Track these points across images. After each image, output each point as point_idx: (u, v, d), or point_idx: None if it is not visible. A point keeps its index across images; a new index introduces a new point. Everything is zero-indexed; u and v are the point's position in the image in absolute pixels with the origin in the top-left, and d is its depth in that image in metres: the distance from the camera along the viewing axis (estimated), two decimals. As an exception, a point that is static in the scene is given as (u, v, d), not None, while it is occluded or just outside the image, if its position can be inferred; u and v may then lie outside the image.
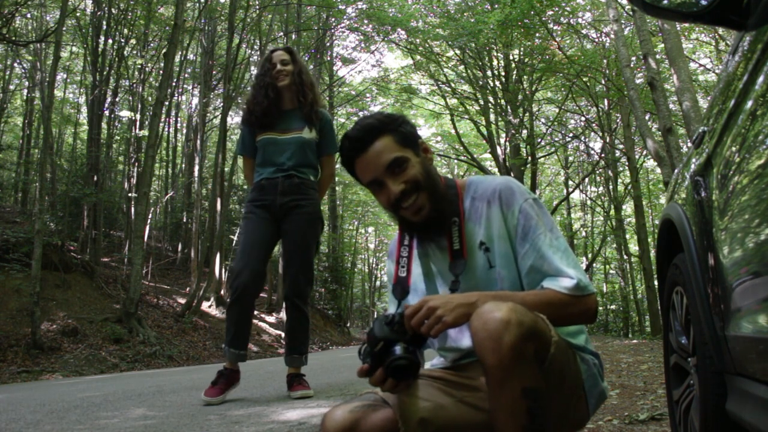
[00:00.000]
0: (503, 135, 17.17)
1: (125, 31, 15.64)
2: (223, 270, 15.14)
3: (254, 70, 15.01)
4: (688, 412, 1.52)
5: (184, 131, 21.90)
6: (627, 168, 16.28)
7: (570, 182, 21.56)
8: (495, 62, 17.21)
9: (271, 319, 15.70)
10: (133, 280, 9.92)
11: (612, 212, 17.46)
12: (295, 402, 2.88)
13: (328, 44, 20.38)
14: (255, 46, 17.16)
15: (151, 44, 17.67)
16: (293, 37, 17.70)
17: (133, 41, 16.71)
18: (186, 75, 19.48)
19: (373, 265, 34.21)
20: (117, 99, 16.76)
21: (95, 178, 14.22)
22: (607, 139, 16.51)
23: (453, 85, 17.96)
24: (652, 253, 12.94)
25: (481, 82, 17.07)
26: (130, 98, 17.69)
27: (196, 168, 17.20)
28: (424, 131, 22.07)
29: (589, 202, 22.30)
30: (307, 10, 18.65)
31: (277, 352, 12.54)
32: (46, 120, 10.40)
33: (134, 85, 17.23)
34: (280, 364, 4.68)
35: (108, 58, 15.13)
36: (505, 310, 1.04)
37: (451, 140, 19.98)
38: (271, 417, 2.50)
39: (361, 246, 33.07)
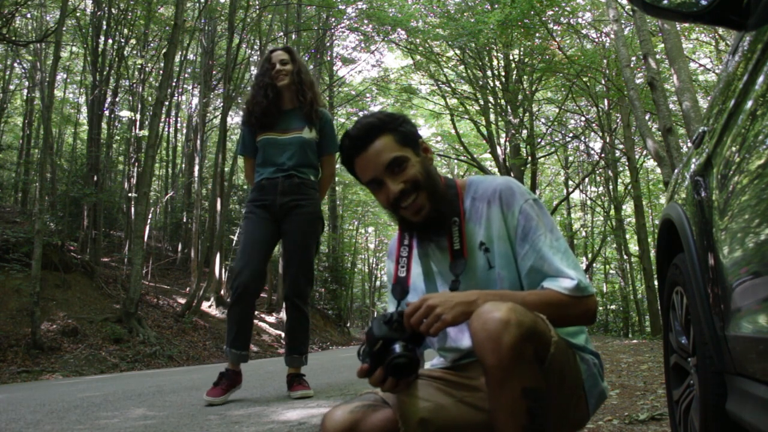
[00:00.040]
0: (503, 135, 17.18)
1: (125, 31, 15.65)
2: (223, 270, 15.14)
3: (254, 70, 15.00)
4: (688, 412, 1.52)
5: (184, 131, 21.91)
6: (627, 168, 16.28)
7: (570, 182, 21.56)
8: (495, 62, 17.21)
9: (271, 319, 15.71)
10: (133, 280, 9.92)
11: (612, 212, 17.46)
12: (295, 402, 2.88)
13: (328, 44, 20.38)
14: (255, 46, 17.16)
15: (151, 44, 17.67)
16: (293, 37, 17.70)
17: (133, 41, 16.72)
18: (186, 75, 19.48)
19: (373, 265, 34.21)
20: (117, 99, 16.76)
21: (95, 178, 14.22)
22: (607, 139, 16.51)
23: (453, 85, 17.96)
24: (652, 253, 12.94)
25: (481, 82, 17.07)
26: (130, 98, 17.69)
27: (196, 168, 17.20)
28: (424, 131, 22.07)
29: (589, 202, 22.31)
30: (307, 10, 18.65)
31: (277, 352, 12.54)
32: (46, 120, 10.40)
33: (134, 85, 17.23)
34: (280, 364, 4.69)
35: (108, 58, 15.13)
36: (505, 310, 1.04)
37: (451, 140, 19.98)
38: (271, 417, 2.50)
39: (361, 246, 33.07)
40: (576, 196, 22.76)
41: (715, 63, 15.15)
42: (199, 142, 16.95)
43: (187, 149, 20.37)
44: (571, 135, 18.87)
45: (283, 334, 10.40)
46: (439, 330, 1.14)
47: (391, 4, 16.53)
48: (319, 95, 3.29)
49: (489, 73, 17.31)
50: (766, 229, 0.91)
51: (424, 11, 16.29)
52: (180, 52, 16.77)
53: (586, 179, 19.93)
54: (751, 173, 1.00)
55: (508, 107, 16.71)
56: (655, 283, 10.43)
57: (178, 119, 22.02)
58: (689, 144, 2.53)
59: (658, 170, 10.47)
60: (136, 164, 16.01)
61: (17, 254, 9.87)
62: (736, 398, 1.10)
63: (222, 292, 14.67)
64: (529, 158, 16.91)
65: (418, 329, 1.16)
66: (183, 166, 21.18)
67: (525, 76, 16.97)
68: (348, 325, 23.33)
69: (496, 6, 13.20)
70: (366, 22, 17.35)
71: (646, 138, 8.02)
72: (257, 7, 15.77)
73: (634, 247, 18.38)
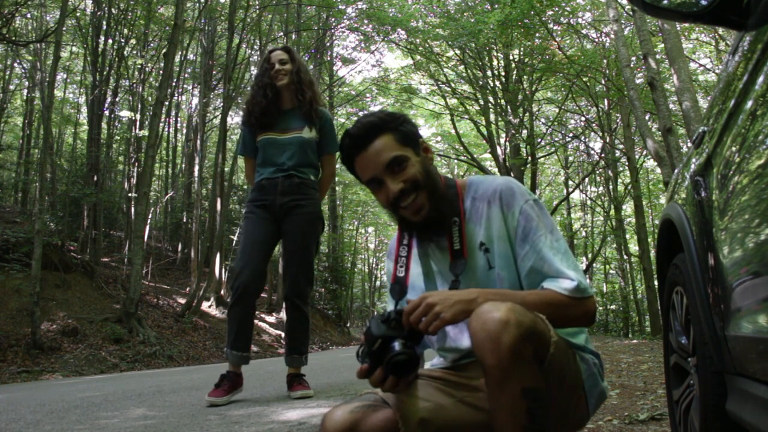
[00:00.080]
0: (503, 135, 17.18)
1: (125, 31, 15.65)
2: (223, 270, 15.14)
3: (254, 70, 15.00)
4: (688, 412, 1.52)
5: (184, 131, 21.91)
6: (627, 168, 16.28)
7: (570, 182, 21.56)
8: (495, 62, 17.21)
9: (271, 319, 15.71)
10: (133, 280, 9.92)
11: (612, 212, 17.46)
12: (295, 402, 2.88)
13: (328, 44, 20.39)
14: (255, 46, 17.17)
15: (151, 44, 17.68)
16: (293, 37, 17.71)
17: (133, 41, 16.72)
18: (186, 75, 19.48)
19: (373, 265, 34.21)
20: (117, 99, 16.77)
21: (95, 178, 14.22)
22: (607, 139, 16.51)
23: (453, 85, 17.96)
24: (652, 253, 12.94)
25: (481, 82, 17.07)
26: (130, 98, 17.69)
27: (196, 168, 17.20)
28: (424, 131, 22.07)
29: (589, 202, 22.31)
30: (307, 10, 18.65)
31: (277, 352, 12.55)
32: (46, 120, 10.40)
33: (134, 85, 17.23)
34: (280, 364, 4.69)
35: (108, 58, 15.14)
36: (504, 310, 1.04)
37: (451, 140, 19.98)
38: (271, 417, 2.49)
39: (361, 246, 33.07)
40: (576, 196, 22.78)
41: (715, 63, 15.15)
42: (199, 142, 16.95)
43: (187, 149, 20.37)
44: (571, 135, 18.87)
45: (283, 334, 10.40)
46: (438, 328, 1.14)
47: (391, 4, 16.54)
48: (318, 94, 3.28)
49: (489, 73, 17.31)
50: (766, 229, 0.91)
51: (424, 11, 16.30)
52: (180, 52, 16.77)
53: (586, 179, 19.94)
54: (751, 173, 1.00)
55: (508, 107, 16.71)
56: (655, 283, 10.44)
57: (178, 119, 22.03)
58: (689, 144, 2.53)
59: (658, 170, 10.47)
60: (136, 164, 16.01)
61: (17, 254, 9.87)
62: (736, 398, 1.10)
63: (222, 292, 14.68)
64: (529, 158, 16.91)
65: (417, 327, 1.16)
66: (183, 166, 21.18)
67: (525, 76, 16.97)
68: (348, 325, 23.34)
69: (496, 6, 13.20)
70: (366, 22, 17.36)
71: (646, 138, 8.02)
72: (257, 7, 15.77)
73: (634, 247, 18.39)
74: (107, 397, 3.47)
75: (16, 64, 17.59)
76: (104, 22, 14.81)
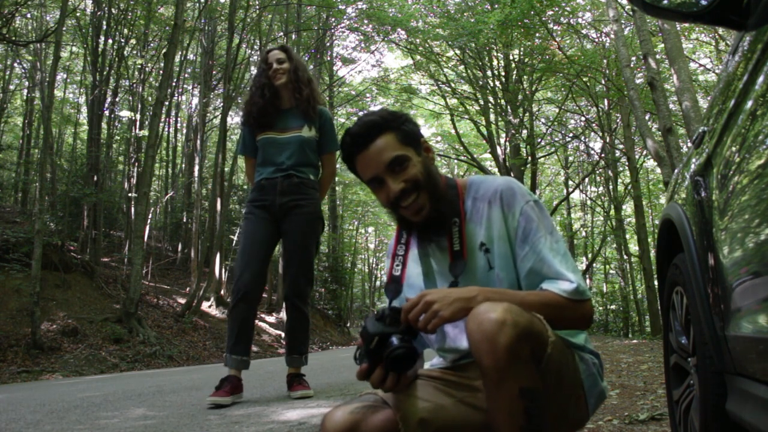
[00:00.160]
0: (503, 135, 17.18)
1: (125, 31, 15.65)
2: (223, 270, 15.14)
3: (254, 70, 15.00)
4: (688, 412, 1.52)
5: (184, 131, 21.91)
6: (627, 168, 16.28)
7: (570, 182, 21.57)
8: (495, 62, 17.21)
9: (271, 319, 15.71)
10: (133, 280, 9.92)
11: (612, 212, 17.47)
12: (295, 402, 2.88)
13: (328, 44, 20.39)
14: (255, 46, 17.16)
15: (151, 44, 17.68)
16: (293, 37, 17.71)
17: (133, 41, 16.72)
18: (186, 75, 19.49)
19: (373, 265, 34.21)
20: (117, 99, 16.77)
21: (95, 178, 14.23)
22: (607, 139, 16.51)
23: (453, 85, 17.96)
24: (652, 253, 12.94)
25: (481, 82, 17.07)
26: (130, 98, 17.69)
27: (196, 168, 17.21)
28: (425, 131, 21.91)
29: (589, 202, 22.31)
30: (307, 10, 18.65)
31: (277, 352, 12.55)
32: (46, 120, 10.40)
33: (134, 85, 17.23)
34: (280, 364, 4.69)
35: (108, 58, 15.14)
36: (500, 310, 1.04)
37: (451, 140, 19.98)
38: (271, 417, 2.49)
39: (361, 246, 33.07)
40: (576, 196, 22.78)
41: (715, 63, 15.15)
42: (199, 142, 16.95)
43: (187, 149, 20.38)
44: (571, 135, 18.87)
45: (283, 334, 10.41)
46: (436, 326, 1.14)
47: (391, 4, 16.54)
48: (317, 92, 3.25)
49: (489, 73, 17.31)
50: (766, 229, 0.91)
51: (424, 11, 16.30)
52: (180, 52, 16.77)
53: (586, 179, 19.94)
54: (751, 173, 1.00)
55: (508, 107, 16.72)
56: (655, 283, 10.43)
57: (178, 119, 22.03)
58: (689, 144, 2.53)
59: (658, 170, 10.47)
60: (136, 164, 16.01)
61: (17, 254, 9.87)
62: (736, 398, 1.10)
63: (222, 292, 14.68)
64: (529, 158, 16.91)
65: (416, 325, 1.16)
66: (183, 166, 21.18)
67: (525, 76, 16.97)
68: (348, 325, 23.32)
69: (496, 6, 13.20)
70: (366, 22, 17.36)
71: (646, 138, 8.02)
72: (257, 7, 15.78)
73: (634, 247, 18.38)
74: (107, 397, 3.47)
75: (16, 64, 17.60)
76: (104, 22, 14.81)
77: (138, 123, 16.54)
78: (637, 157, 15.18)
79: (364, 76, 25.62)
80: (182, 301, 13.37)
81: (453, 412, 1.27)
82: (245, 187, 18.99)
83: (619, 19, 9.92)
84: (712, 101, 1.52)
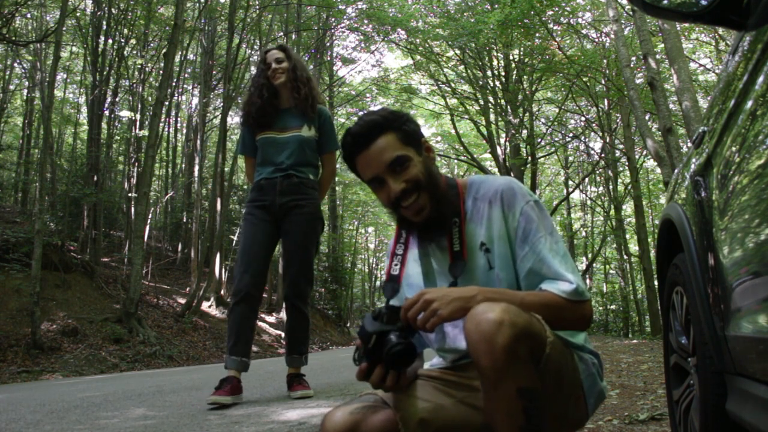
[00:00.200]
0: (503, 135, 17.18)
1: (125, 31, 15.65)
2: (223, 270, 15.14)
3: (254, 70, 15.00)
4: (688, 412, 1.52)
5: (184, 131, 21.91)
6: (627, 168, 16.28)
7: (570, 182, 21.56)
8: (495, 62, 17.21)
9: (271, 319, 15.71)
10: (133, 280, 9.92)
11: (612, 212, 17.46)
12: (295, 402, 2.88)
13: (328, 44, 20.39)
14: (255, 46, 17.17)
15: (151, 44, 17.68)
16: (293, 37, 17.71)
17: (133, 41, 16.72)
18: (186, 75, 19.49)
19: (373, 265, 34.21)
20: (117, 99, 16.77)
21: (95, 178, 14.23)
22: (607, 139, 16.51)
23: (453, 85, 17.96)
24: (652, 253, 12.94)
25: (481, 82, 17.07)
26: (130, 98, 17.70)
27: (196, 168, 17.21)
28: (425, 131, 21.89)
29: (589, 202, 22.31)
30: (307, 10, 18.65)
31: (277, 352, 12.55)
32: (46, 120, 10.40)
33: (134, 85, 17.23)
34: (280, 364, 4.68)
35: (108, 58, 15.14)
36: (498, 311, 1.03)
37: (451, 140, 19.98)
38: (271, 417, 2.49)
39: (361, 246, 33.07)
40: (576, 196, 22.78)
41: (715, 63, 15.15)
42: (199, 142, 16.96)
43: (187, 149, 20.38)
44: (571, 135, 18.87)
45: (283, 334, 10.41)
46: (435, 325, 1.13)
47: (391, 4, 16.54)
48: (317, 91, 3.24)
49: (489, 73, 17.31)
50: (766, 229, 0.91)
51: (424, 11, 16.30)
52: (180, 52, 16.77)
53: (586, 179, 19.94)
54: (751, 173, 1.00)
55: (508, 107, 16.71)
56: (655, 283, 10.43)
57: (178, 119, 22.03)
58: (689, 144, 2.53)
59: (658, 170, 10.47)
60: (136, 164, 16.02)
61: (17, 254, 9.87)
62: (736, 398, 1.10)
63: (222, 292, 14.68)
64: (529, 158, 16.91)
65: (415, 324, 1.16)
66: (183, 166, 21.18)
67: (525, 76, 16.97)
68: (348, 325, 23.31)
69: (496, 6, 13.20)
70: (366, 22, 17.36)
71: (646, 138, 8.02)
72: (257, 7, 15.78)
73: (634, 247, 18.38)
74: (107, 397, 3.47)
75: (16, 64, 17.60)
76: (104, 22, 14.82)
77: (138, 123, 16.54)
78: (637, 157, 15.18)
79: (364, 76, 25.65)
80: (182, 301, 13.37)
81: (453, 412, 1.27)
82: (245, 187, 18.99)
83: (619, 19, 9.92)
84: (712, 101, 1.52)
